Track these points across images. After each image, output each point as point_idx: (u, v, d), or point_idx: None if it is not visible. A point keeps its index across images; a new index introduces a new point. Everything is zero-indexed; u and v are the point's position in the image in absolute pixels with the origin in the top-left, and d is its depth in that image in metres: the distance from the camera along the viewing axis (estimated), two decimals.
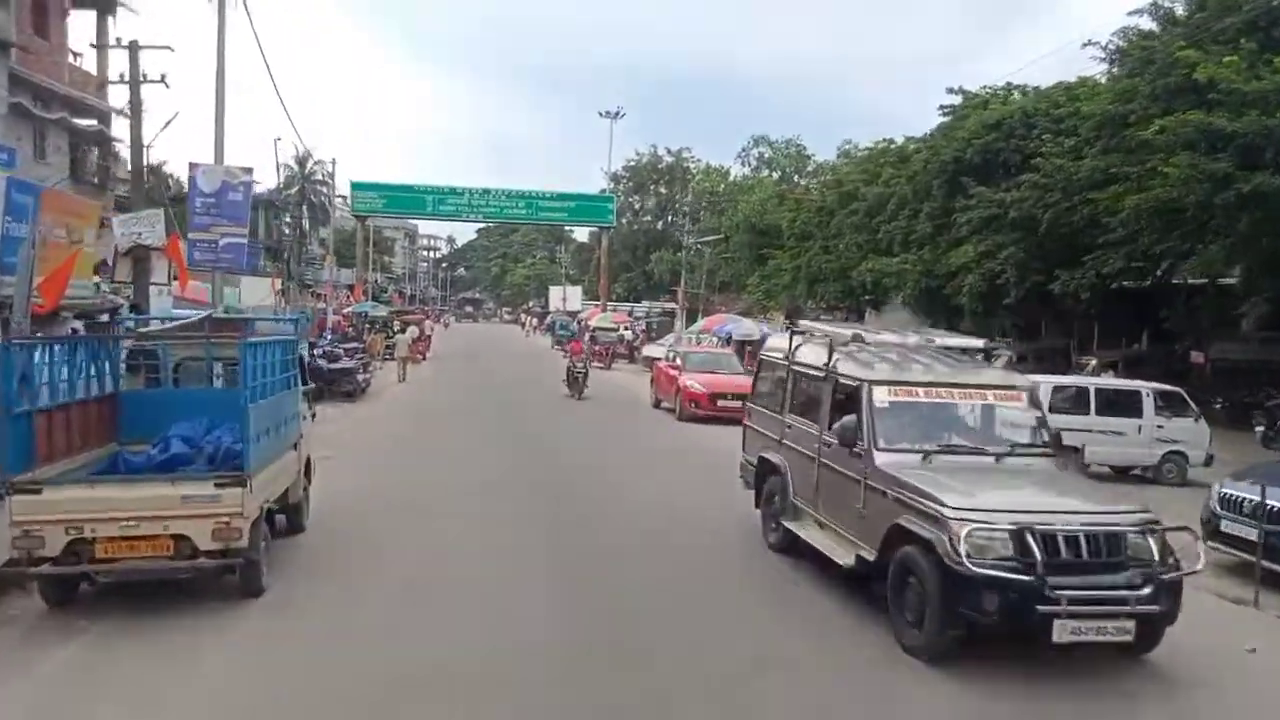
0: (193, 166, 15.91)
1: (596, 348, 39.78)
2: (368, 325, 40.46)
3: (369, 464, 14.86)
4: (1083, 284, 27.16)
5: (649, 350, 41.13)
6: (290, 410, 9.44)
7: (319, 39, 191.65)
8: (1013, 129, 30.80)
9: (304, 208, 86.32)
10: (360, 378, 24.32)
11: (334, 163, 39.03)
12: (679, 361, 23.36)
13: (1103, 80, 29.31)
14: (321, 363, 23.63)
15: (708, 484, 13.92)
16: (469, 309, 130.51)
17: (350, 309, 44.46)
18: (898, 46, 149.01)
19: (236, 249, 15.87)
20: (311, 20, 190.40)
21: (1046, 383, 16.77)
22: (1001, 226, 29.23)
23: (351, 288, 52.54)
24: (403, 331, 39.53)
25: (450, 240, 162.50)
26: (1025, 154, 29.53)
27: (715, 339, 28.76)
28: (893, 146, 40.73)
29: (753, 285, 53.15)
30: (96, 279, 16.68)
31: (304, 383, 10.94)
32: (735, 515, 11.42)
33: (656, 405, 24.15)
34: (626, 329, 43.09)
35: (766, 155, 69.82)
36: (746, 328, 26.12)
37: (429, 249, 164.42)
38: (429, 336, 51.71)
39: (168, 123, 17.42)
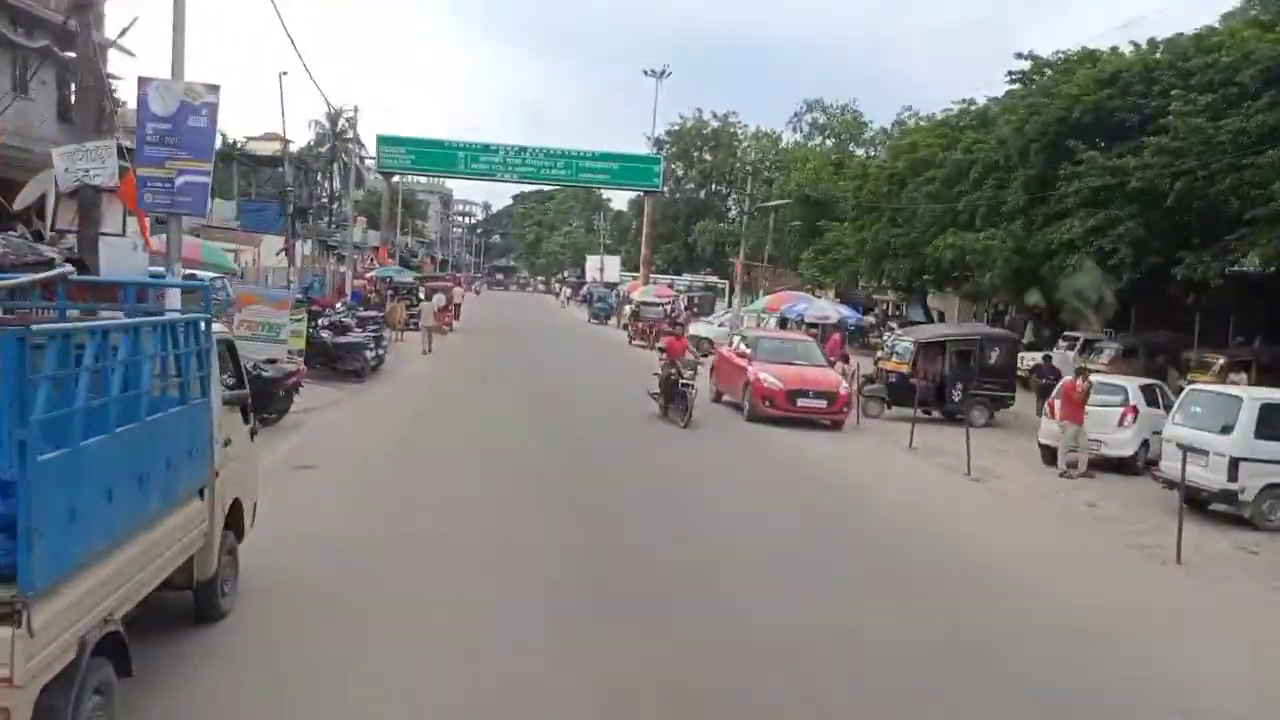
0: (143, 82, 12.14)
1: (639, 324, 35.92)
2: (391, 292, 36.86)
3: (360, 484, 11.12)
4: (1212, 269, 22.91)
5: (696, 329, 37.21)
6: (187, 440, 5.68)
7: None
8: (1129, 84, 26.33)
9: (334, 166, 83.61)
10: (370, 354, 20.67)
11: (356, 111, 35.02)
12: (745, 348, 19.38)
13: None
14: (325, 335, 20.00)
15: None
16: (500, 277, 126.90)
17: (373, 273, 40.90)
18: (940, 17, 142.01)
19: (197, 190, 12.12)
20: None
21: (1251, 399, 12.68)
22: (1115, 198, 24.90)
23: (377, 250, 48.94)
24: (429, 299, 35.96)
25: (486, 206, 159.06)
26: (1145, 114, 25.20)
27: (790, 321, 24.51)
28: (972, 108, 36.29)
29: (807, 260, 48.83)
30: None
31: (241, 385, 7.18)
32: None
33: (717, 399, 20.20)
34: (669, 304, 39.17)
35: (820, 121, 65.14)
36: (820, 308, 21.94)
37: (464, 214, 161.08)
38: (458, 305, 48.13)
39: (124, 30, 14.15)
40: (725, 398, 19.87)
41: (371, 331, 22.63)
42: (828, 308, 22.23)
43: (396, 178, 52.31)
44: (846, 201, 43.85)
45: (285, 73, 31.25)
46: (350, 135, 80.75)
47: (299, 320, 18.37)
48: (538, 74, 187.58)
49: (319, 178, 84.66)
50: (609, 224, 79.26)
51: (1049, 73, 31.49)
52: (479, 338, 37.41)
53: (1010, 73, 33.24)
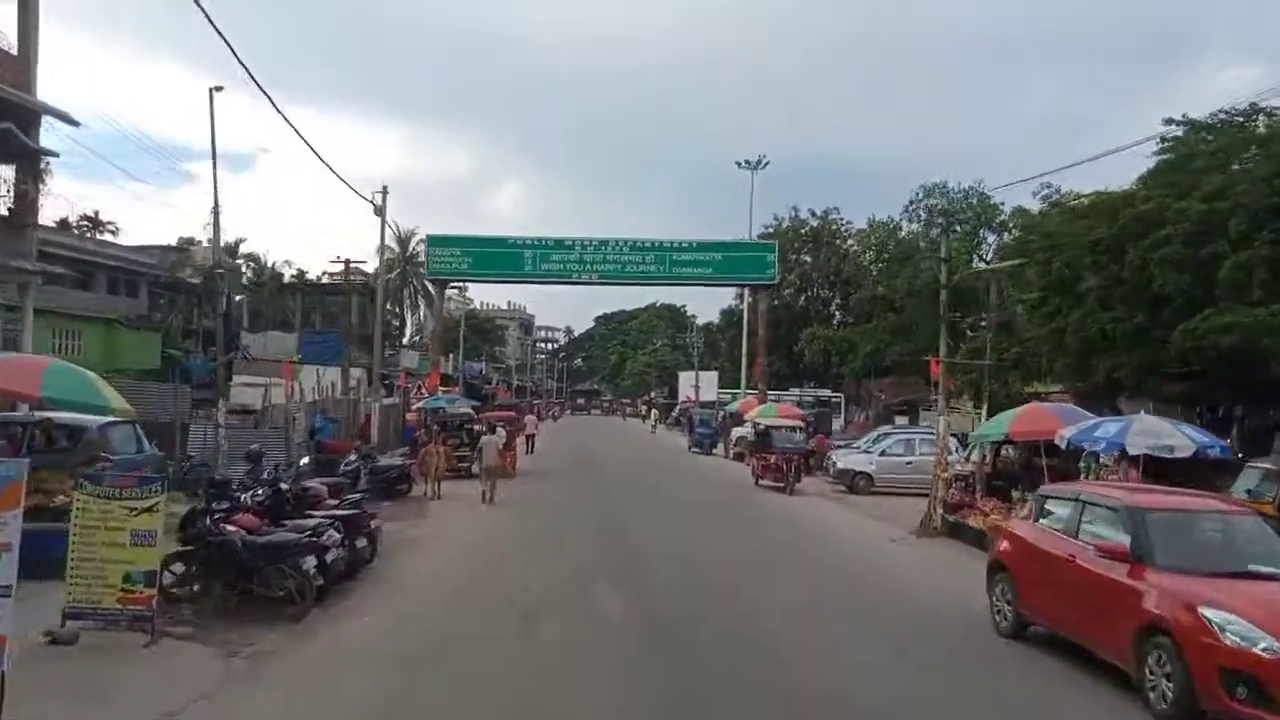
0: None
1: (769, 456, 25.36)
2: (437, 428, 27.28)
3: None
4: None
5: (845, 461, 26.45)
6: None
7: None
8: None
9: (405, 292, 76.57)
10: (334, 557, 10.59)
11: (385, 191, 26.20)
12: (1098, 529, 8.45)
13: None
14: (237, 528, 10.10)
15: None
16: (581, 401, 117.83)
17: (420, 404, 31.58)
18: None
19: None
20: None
21: None
22: None
23: (411, 374, 39.79)
24: (491, 431, 26.34)
25: (568, 330, 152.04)
26: None
27: (1088, 452, 13.39)
28: (1244, 130, 25.80)
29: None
30: None
31: None
32: None
33: (1018, 627, 9.38)
34: (804, 427, 28.55)
35: (940, 207, 54.89)
36: (1153, 428, 11.48)
37: (546, 340, 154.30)
38: (531, 436, 38.36)
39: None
40: (1033, 623, 9.04)
41: (348, 507, 12.61)
42: (1161, 428, 11.62)
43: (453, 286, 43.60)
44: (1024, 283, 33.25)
45: (219, 88, 22.67)
46: (423, 259, 74.41)
47: (147, 505, 8.49)
48: (600, 188, 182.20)
49: (389, 305, 78.06)
50: (699, 336, 69.14)
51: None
52: (555, 481, 27.25)
53: (1162, 139, 27.37)
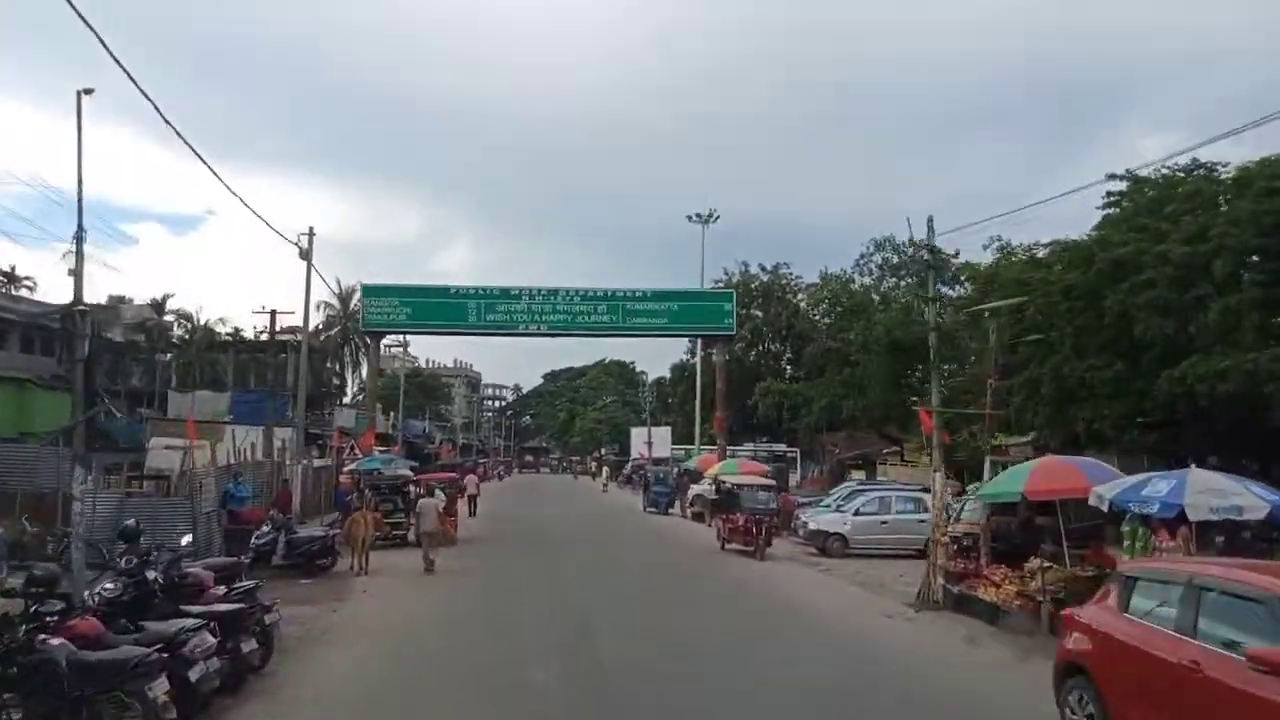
0: None
1: (736, 518, 23.00)
2: (367, 492, 24.48)
3: None
4: None
5: (817, 521, 24.21)
6: None
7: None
8: None
9: (345, 350, 73.19)
10: (201, 673, 7.95)
11: (311, 234, 23.69)
12: (1215, 625, 6.40)
13: None
14: (61, 642, 7.43)
15: None
16: (529, 458, 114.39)
17: (353, 466, 28.64)
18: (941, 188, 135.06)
19: None
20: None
21: None
22: None
23: (346, 433, 36.70)
24: (430, 494, 23.75)
25: (516, 388, 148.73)
26: None
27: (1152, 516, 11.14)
28: (1214, 174, 24.67)
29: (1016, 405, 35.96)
30: None
31: None
32: None
33: None
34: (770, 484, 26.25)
35: (893, 260, 53.82)
36: (1218, 487, 9.66)
37: (493, 398, 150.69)
38: (473, 497, 35.50)
39: None
40: None
41: (237, 598, 9.93)
42: (1224, 485, 9.66)
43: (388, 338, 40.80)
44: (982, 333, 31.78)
45: (89, 90, 19.78)
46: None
47: None
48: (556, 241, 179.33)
49: (328, 363, 74.44)
50: (650, 391, 66.68)
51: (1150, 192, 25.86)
52: (499, 547, 24.50)
53: (1109, 194, 27.20)
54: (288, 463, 30.59)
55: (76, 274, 19.89)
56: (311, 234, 23.58)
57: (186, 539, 14.31)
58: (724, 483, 25.31)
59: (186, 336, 63.55)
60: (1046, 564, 12.73)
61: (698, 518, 32.82)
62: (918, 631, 13.49)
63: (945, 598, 14.83)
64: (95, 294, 62.25)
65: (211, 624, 8.52)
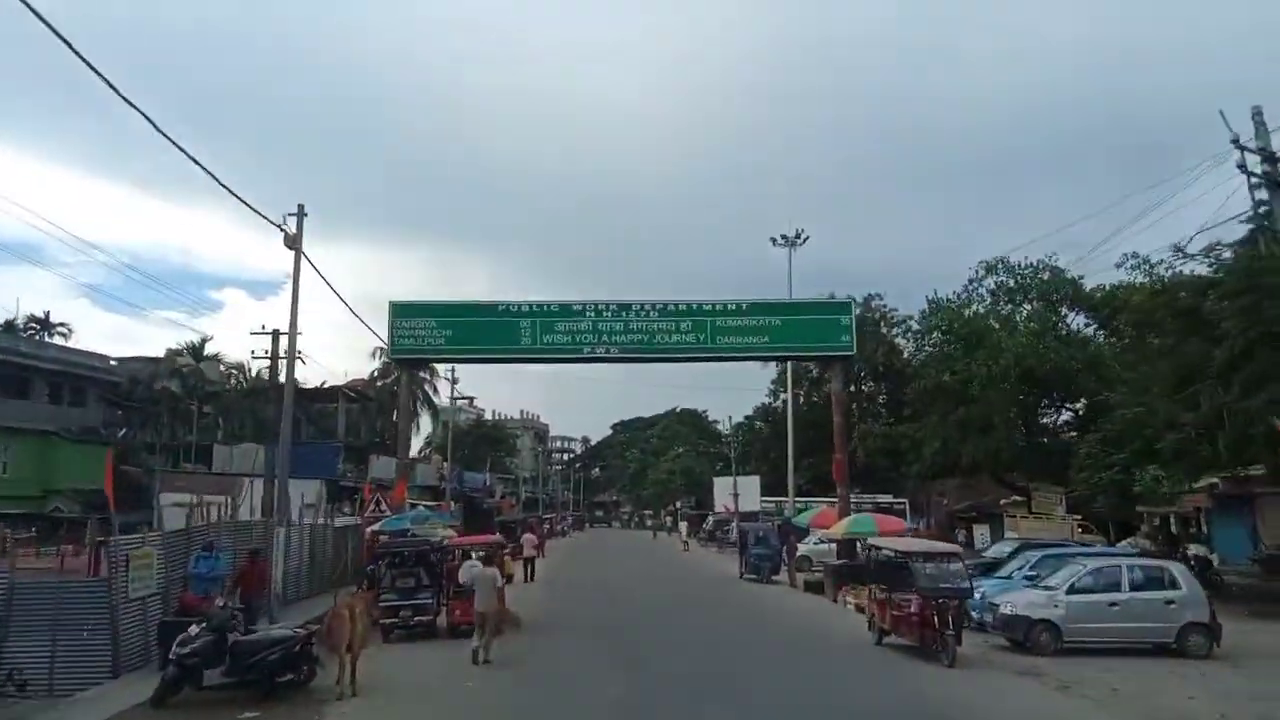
0: None
1: (912, 607, 15.33)
2: (376, 567, 17.73)
3: None
4: None
5: (1013, 602, 16.54)
6: None
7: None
8: None
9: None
10: None
11: (301, 214, 17.42)
12: None
13: None
14: None
15: None
16: (599, 513, 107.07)
17: (377, 526, 22.05)
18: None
19: None
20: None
21: None
22: None
23: (386, 487, 30.10)
24: (487, 562, 16.99)
25: (585, 440, 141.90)
26: None
27: None
28: None
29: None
30: None
31: None
32: None
33: None
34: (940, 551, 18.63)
35: (1008, 284, 45.86)
36: None
37: (562, 450, 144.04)
38: (531, 560, 28.52)
39: None
40: None
41: None
42: None
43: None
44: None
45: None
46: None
47: None
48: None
49: (384, 413, 68.78)
50: (736, 436, 58.56)
51: None
52: (564, 636, 17.41)
53: None
54: (303, 522, 24.14)
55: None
56: (301, 215, 17.28)
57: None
58: (875, 548, 17.72)
59: (234, 386, 58.82)
60: None
61: (814, 589, 25.33)
62: None
63: None
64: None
65: None
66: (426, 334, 25.37)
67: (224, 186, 15.01)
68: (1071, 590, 15.89)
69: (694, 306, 25.95)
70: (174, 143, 13.21)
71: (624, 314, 25.68)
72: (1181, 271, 36.88)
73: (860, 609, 21.22)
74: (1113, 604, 15.68)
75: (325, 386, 58.57)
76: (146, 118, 12.46)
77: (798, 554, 30.09)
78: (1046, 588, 16.35)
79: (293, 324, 17.69)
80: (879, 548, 16.74)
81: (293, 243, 16.81)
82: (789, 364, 49.71)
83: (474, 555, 18.78)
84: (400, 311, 25.45)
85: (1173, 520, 41.58)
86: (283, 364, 19.61)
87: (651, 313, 25.74)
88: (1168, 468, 25.89)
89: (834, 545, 31.82)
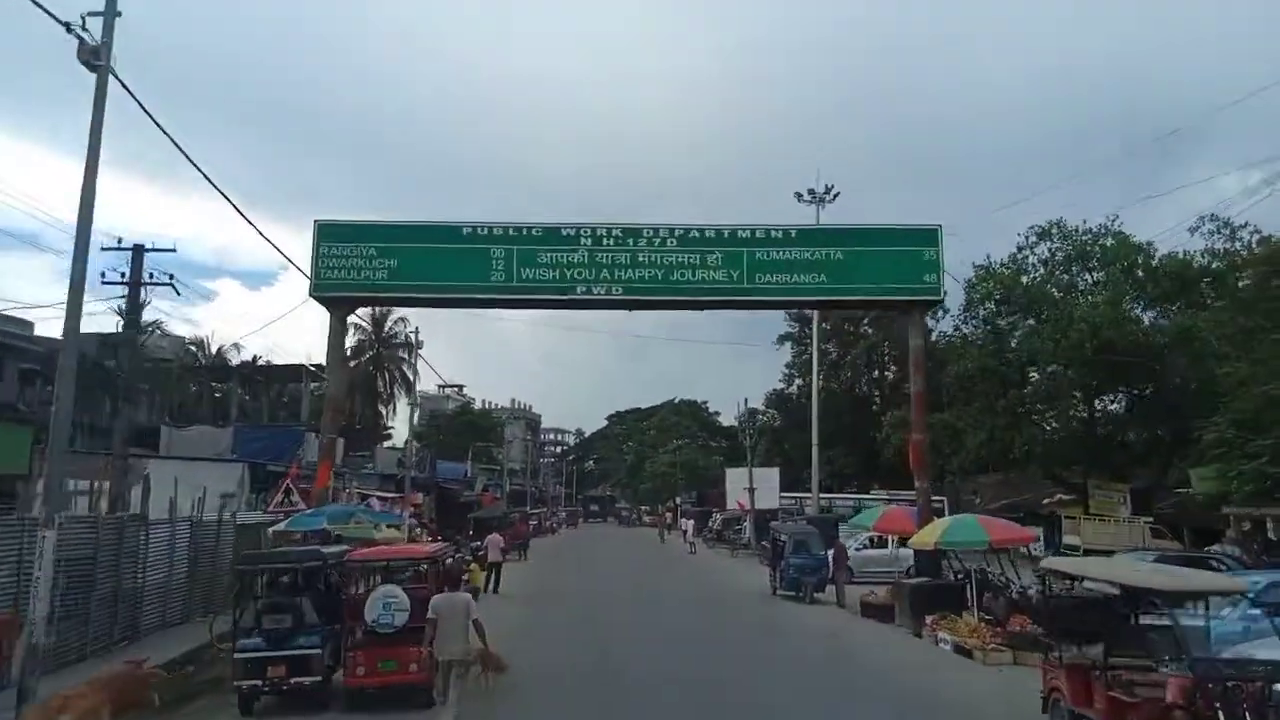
0: None
1: (1171, 698, 8.14)
2: (260, 584, 10.76)
3: None
4: None
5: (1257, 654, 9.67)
6: None
7: None
8: None
9: (379, 379, 60.39)
10: None
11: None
12: None
13: None
14: None
15: None
16: (594, 508, 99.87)
17: (283, 525, 15.16)
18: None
19: None
20: None
21: None
22: None
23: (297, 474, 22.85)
24: (454, 585, 9.91)
25: (578, 433, 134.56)
26: None
27: None
28: None
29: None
30: None
31: None
32: None
33: None
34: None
35: (1062, 252, 38.99)
36: None
37: (555, 442, 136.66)
38: (496, 564, 21.57)
39: None
40: None
41: None
42: None
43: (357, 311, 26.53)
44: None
45: None
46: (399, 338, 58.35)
47: None
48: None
49: (358, 395, 61.35)
50: (748, 419, 51.03)
51: None
52: (528, 698, 10.52)
53: None
54: (193, 517, 17.12)
55: None
56: (113, 14, 10.24)
57: None
58: (1063, 576, 10.13)
59: (194, 365, 51.60)
60: None
61: (873, 612, 18.40)
62: None
63: None
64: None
65: None
66: (363, 264, 18.26)
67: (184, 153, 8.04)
68: None
69: (725, 234, 18.84)
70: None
71: (631, 241, 18.65)
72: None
73: (965, 651, 14.38)
74: None
75: (290, 365, 51.53)
76: None
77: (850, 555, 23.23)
78: None
79: (90, 172, 10.59)
80: (1072, 577, 9.60)
81: (93, 57, 9.84)
82: (818, 322, 42.70)
83: (406, 574, 11.91)
84: (327, 234, 18.28)
85: (1269, 525, 34.73)
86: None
87: (669, 240, 18.70)
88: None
89: (898, 552, 25.09)
